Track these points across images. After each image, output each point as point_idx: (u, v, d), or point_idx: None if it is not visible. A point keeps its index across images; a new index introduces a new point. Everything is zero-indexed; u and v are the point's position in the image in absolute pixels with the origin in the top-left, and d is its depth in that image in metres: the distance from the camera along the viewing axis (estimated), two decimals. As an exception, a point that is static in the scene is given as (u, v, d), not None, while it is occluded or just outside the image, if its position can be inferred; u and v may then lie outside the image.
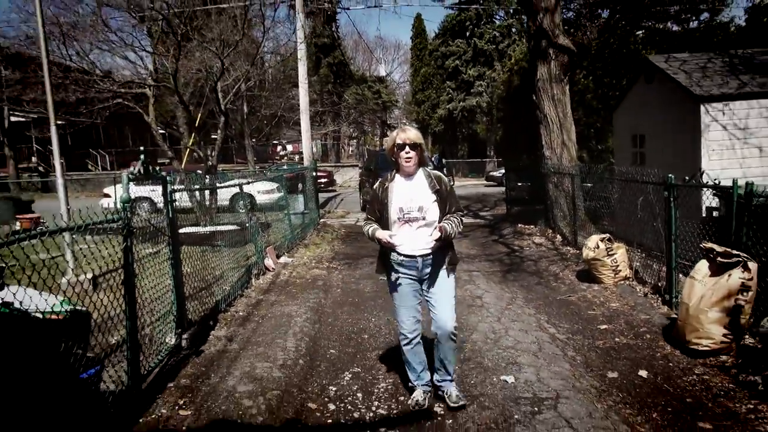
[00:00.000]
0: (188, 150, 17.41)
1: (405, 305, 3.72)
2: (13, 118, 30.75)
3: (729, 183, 4.81)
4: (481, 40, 34.07)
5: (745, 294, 4.28)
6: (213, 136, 27.57)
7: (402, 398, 3.95)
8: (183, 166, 16.11)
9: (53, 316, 2.99)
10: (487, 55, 34.30)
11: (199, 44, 11.65)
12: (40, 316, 2.91)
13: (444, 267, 3.66)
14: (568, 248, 8.84)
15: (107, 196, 17.99)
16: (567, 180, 9.22)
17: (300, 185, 13.09)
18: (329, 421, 3.69)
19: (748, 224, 4.56)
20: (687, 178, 5.27)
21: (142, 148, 4.16)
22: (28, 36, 24.35)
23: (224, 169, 22.37)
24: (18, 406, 2.54)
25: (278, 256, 8.77)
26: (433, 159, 34.07)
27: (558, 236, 9.68)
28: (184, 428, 3.50)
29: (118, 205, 3.73)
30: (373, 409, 3.82)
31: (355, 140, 57.39)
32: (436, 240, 3.49)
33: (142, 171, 3.97)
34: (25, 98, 16.65)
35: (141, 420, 3.58)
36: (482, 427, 3.41)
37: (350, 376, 4.39)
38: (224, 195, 12.73)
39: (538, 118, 10.16)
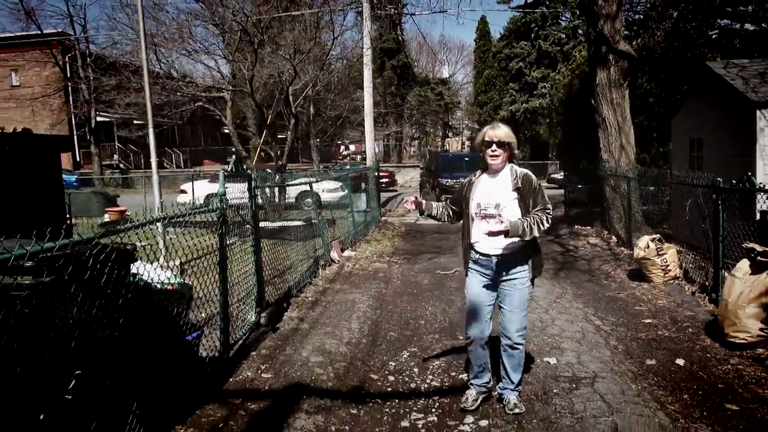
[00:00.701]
0: (258, 149, 18.46)
1: (474, 303, 3.65)
2: (99, 118, 33.18)
3: None
4: (546, 42, 33.84)
5: (783, 291, 4.51)
6: (279, 136, 28.79)
7: (453, 374, 4.44)
8: (254, 164, 17.12)
9: (168, 287, 3.68)
10: (551, 57, 34.02)
11: (273, 51, 12.51)
12: (159, 286, 3.60)
13: (522, 272, 3.53)
14: (622, 249, 9.03)
15: (183, 192, 19.24)
16: (623, 183, 9.39)
17: (363, 184, 13.76)
18: (389, 389, 4.23)
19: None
20: (734, 181, 5.48)
21: (233, 149, 4.85)
22: (114, 41, 26.31)
23: (290, 168, 23.46)
24: (143, 354, 3.22)
25: (342, 250, 9.42)
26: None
27: (613, 237, 9.87)
28: (266, 387, 4.14)
29: (200, 200, 4.41)
30: (428, 381, 4.34)
31: (416, 141, 57.91)
32: (493, 231, 3.28)
33: (233, 169, 4.65)
34: (119, 101, 18.11)
35: (230, 379, 4.25)
36: (523, 398, 3.86)
37: (408, 354, 4.92)
38: (291, 193, 13.55)
39: (597, 122, 10.35)
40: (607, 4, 9.72)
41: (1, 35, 32.46)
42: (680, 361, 4.52)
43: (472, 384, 3.81)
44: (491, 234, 3.30)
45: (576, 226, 11.80)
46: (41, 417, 2.45)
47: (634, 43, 26.78)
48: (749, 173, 5.19)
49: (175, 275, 3.86)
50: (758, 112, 6.99)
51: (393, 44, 36.12)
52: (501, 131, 3.45)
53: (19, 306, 2.34)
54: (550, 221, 3.45)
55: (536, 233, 3.37)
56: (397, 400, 4.00)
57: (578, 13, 32.04)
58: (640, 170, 8.99)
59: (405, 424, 3.64)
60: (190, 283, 3.99)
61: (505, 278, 3.56)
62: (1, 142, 3.74)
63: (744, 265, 4.86)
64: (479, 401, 3.73)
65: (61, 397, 2.58)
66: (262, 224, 8.40)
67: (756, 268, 4.71)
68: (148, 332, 3.28)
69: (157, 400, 3.31)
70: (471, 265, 3.67)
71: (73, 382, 2.62)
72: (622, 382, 4.10)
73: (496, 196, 3.48)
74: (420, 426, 3.61)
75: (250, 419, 3.63)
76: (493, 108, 36.83)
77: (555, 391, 3.98)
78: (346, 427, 3.61)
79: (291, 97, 13.14)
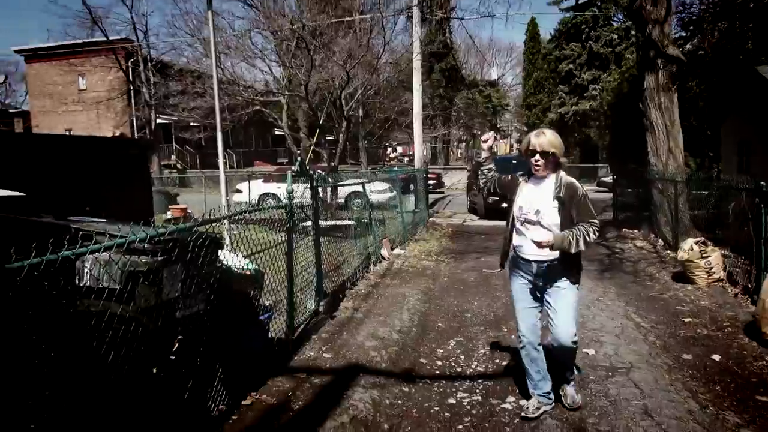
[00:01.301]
0: (309, 151, 19.15)
1: (521, 306, 3.70)
2: (159, 120, 34.82)
3: None
4: (597, 43, 33.46)
5: (819, 292, 4.68)
6: (328, 137, 29.52)
7: (497, 361, 4.81)
8: (307, 165, 17.79)
9: (245, 272, 4.20)
10: (602, 59, 33.61)
11: (326, 57, 13.09)
12: (238, 271, 4.12)
13: (563, 278, 3.52)
14: (668, 252, 9.14)
15: (239, 191, 20.11)
16: (670, 186, 9.49)
17: (411, 186, 14.19)
18: (437, 372, 4.64)
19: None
20: (777, 185, 5.64)
21: (298, 151, 5.36)
22: (173, 47, 27.65)
23: (340, 169, 24.15)
24: (227, 327, 3.74)
25: (392, 248, 9.87)
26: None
27: (660, 240, 9.95)
28: (327, 366, 4.61)
29: (254, 199, 4.92)
30: (473, 367, 4.72)
31: (464, 143, 57.95)
32: (536, 243, 3.34)
33: (299, 170, 5.16)
34: (183, 105, 19.14)
35: (295, 357, 4.74)
36: (562, 382, 4.19)
37: (454, 343, 5.32)
38: (341, 193, 14.11)
39: (645, 125, 10.45)
40: (656, 9, 9.84)
41: (71, 42, 34.38)
42: (716, 357, 4.75)
43: (533, 393, 3.76)
44: (538, 246, 3.33)
45: (624, 230, 11.89)
46: (154, 371, 2.98)
47: (689, 44, 26.34)
48: (791, 178, 5.34)
49: (250, 262, 4.37)
50: (806, 118, 7.04)
51: (441, 48, 36.41)
52: (545, 139, 3.43)
53: (141, 279, 2.88)
54: (596, 234, 3.40)
55: (582, 247, 3.33)
56: (444, 381, 4.41)
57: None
58: (688, 174, 9.09)
59: (451, 401, 4.05)
60: (262, 269, 4.51)
61: (547, 283, 3.55)
62: (106, 146, 4.34)
63: (783, 266, 5.03)
64: (541, 411, 3.68)
65: (167, 356, 3.11)
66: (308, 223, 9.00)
67: (794, 270, 4.89)
68: (231, 310, 3.80)
69: (236, 368, 3.83)
70: (512, 267, 3.72)
71: (176, 346, 3.14)
72: (656, 373, 4.38)
73: (537, 203, 3.49)
74: (465, 403, 4.01)
75: (314, 391, 4.10)
76: (541, 110, 36.63)
77: (592, 377, 4.31)
78: (399, 401, 4.04)
79: (343, 101, 13.68)
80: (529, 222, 3.51)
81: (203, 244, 3.38)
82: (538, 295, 3.63)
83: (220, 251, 3.81)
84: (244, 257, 4.39)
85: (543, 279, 3.55)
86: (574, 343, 3.57)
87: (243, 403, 3.81)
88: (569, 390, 3.79)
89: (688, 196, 9.13)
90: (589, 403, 3.87)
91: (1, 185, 3.03)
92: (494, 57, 56.05)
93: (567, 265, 3.49)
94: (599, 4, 31.80)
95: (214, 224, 3.77)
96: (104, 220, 3.43)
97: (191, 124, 32.84)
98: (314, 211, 5.85)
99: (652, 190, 10.42)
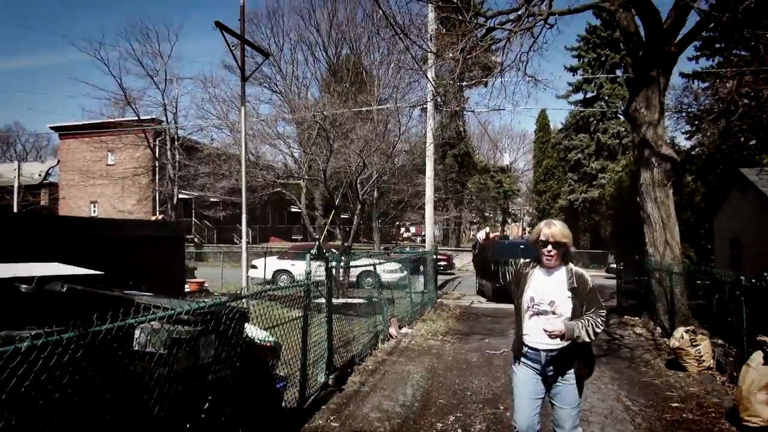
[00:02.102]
0: (324, 229, 19.95)
1: (522, 398, 3.60)
2: (180, 195, 36.22)
3: None
4: (605, 135, 34.83)
5: (789, 381, 5.08)
6: (342, 216, 30.55)
7: (491, 435, 5.19)
8: (323, 243, 18.53)
9: (266, 343, 4.73)
10: (610, 149, 34.87)
11: (344, 145, 14.10)
12: (259, 342, 4.66)
13: (572, 370, 3.47)
14: (665, 339, 9.46)
15: (254, 267, 20.75)
16: (667, 277, 9.96)
17: (421, 267, 14.74)
18: (435, 444, 5.03)
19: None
20: (753, 280, 6.14)
21: (317, 235, 6.02)
22: (201, 128, 29.35)
23: (353, 248, 24.93)
24: (248, 392, 4.23)
25: (400, 327, 10.30)
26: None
27: (658, 328, 10.30)
28: (334, 433, 5.03)
29: (269, 275, 5.51)
30: (469, 440, 5.11)
31: (476, 225, 58.75)
32: (549, 333, 3.33)
33: (317, 253, 5.79)
34: (208, 185, 20.22)
35: (305, 425, 5.18)
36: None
37: (453, 418, 5.70)
38: (352, 272, 14.69)
39: (642, 218, 11.05)
40: (649, 112, 10.70)
41: (103, 121, 36.39)
42: (696, 439, 5.10)
43: None
44: (550, 336, 3.33)
45: (626, 317, 12.24)
46: (188, 426, 3.48)
47: (693, 138, 27.25)
48: (765, 273, 5.85)
49: (270, 335, 4.91)
50: (785, 217, 7.62)
51: (454, 135, 38.02)
52: (557, 229, 3.48)
53: (183, 346, 3.45)
54: (604, 324, 3.48)
55: (592, 337, 3.35)
56: (442, 452, 4.79)
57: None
58: (682, 266, 9.58)
59: (447, 469, 4.43)
60: (279, 342, 5.04)
61: (555, 374, 3.50)
62: (151, 228, 5.02)
63: (758, 356, 5.45)
64: None
65: (199, 414, 3.61)
66: (320, 300, 9.55)
67: (766, 360, 5.30)
68: (252, 376, 4.31)
69: (255, 430, 4.29)
70: (518, 357, 3.65)
71: (207, 405, 3.65)
72: (638, 451, 4.74)
73: (550, 293, 3.48)
74: (460, 472, 4.39)
75: (322, 456, 4.52)
76: (551, 197, 37.57)
77: (577, 453, 4.67)
78: (399, 468, 4.43)
79: (358, 185, 14.54)
80: (542, 313, 3.48)
81: (233, 317, 3.96)
82: (543, 387, 3.57)
83: (246, 324, 4.38)
84: (264, 329, 4.94)
85: (552, 369, 3.50)
86: None
87: (258, 463, 4.25)
88: None
89: (684, 286, 9.58)
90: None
91: (74, 262, 3.67)
92: (507, 143, 58.05)
93: (577, 354, 3.46)
94: (606, 99, 33.39)
95: (241, 300, 4.37)
96: (150, 294, 4.03)
97: (212, 200, 34.18)
98: (328, 291, 6.44)
99: (651, 279, 10.87)
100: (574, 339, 3.33)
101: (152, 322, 3.28)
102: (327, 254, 6.39)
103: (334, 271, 12.54)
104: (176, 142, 34.36)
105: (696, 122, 24.84)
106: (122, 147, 36.51)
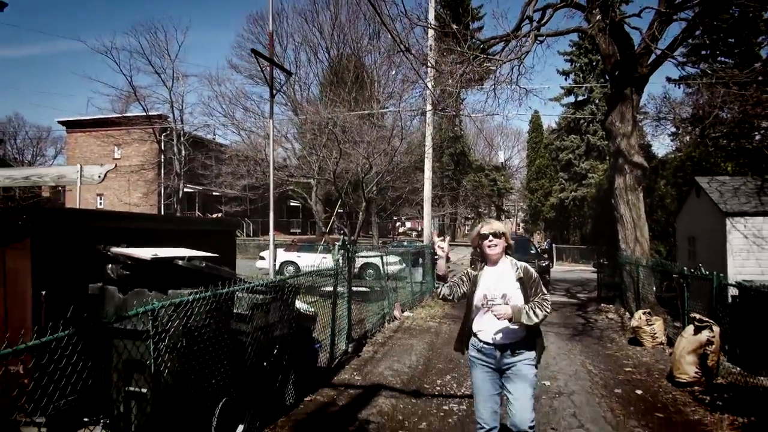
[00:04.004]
0: (329, 223, 21.41)
1: (482, 394, 3.72)
2: (186, 189, 37.51)
3: (746, 278, 7.17)
4: (594, 137, 36.35)
5: (709, 347, 6.58)
6: (340, 210, 32.14)
7: (480, 388, 6.66)
8: (327, 237, 19.99)
9: (309, 312, 6.18)
10: (599, 150, 36.38)
11: (352, 147, 15.53)
12: (303, 311, 6.11)
13: (525, 360, 3.63)
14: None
15: (262, 258, 22.16)
16: (635, 269, 11.46)
17: (420, 260, 16.20)
18: (436, 392, 6.49)
19: (719, 302, 6.88)
20: (693, 270, 7.62)
21: (345, 229, 7.46)
22: (206, 124, 30.74)
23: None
24: (297, 347, 5.69)
25: (403, 311, 11.77)
26: (545, 243, 36.07)
27: (627, 314, 11.80)
28: (357, 384, 6.50)
29: (276, 266, 6.95)
30: (462, 391, 6.56)
31: (470, 221, 60.29)
32: (496, 315, 3.48)
33: (342, 244, 7.24)
34: (224, 182, 21.54)
35: (335, 378, 6.64)
36: (522, 399, 6.03)
37: (450, 377, 7.17)
38: (356, 264, 16.15)
39: (616, 218, 12.56)
40: (623, 125, 12.18)
41: (111, 116, 37.53)
42: (639, 391, 6.58)
43: None
44: (498, 318, 3.48)
45: (602, 305, 13.78)
46: (264, 364, 4.93)
47: (675, 141, 28.69)
48: (700, 265, 7.34)
49: (310, 306, 6.36)
50: (727, 220, 9.09)
51: (452, 137, 39.44)
52: (495, 224, 3.77)
53: (262, 309, 4.89)
54: (549, 307, 3.64)
55: (539, 317, 3.53)
56: (441, 398, 6.26)
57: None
58: (648, 260, 11.08)
59: (445, 407, 5.90)
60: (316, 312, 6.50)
61: (508, 365, 3.63)
62: (217, 223, 6.44)
63: (690, 328, 6.94)
64: None
65: (270, 359, 5.06)
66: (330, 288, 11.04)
67: (695, 331, 6.80)
68: (300, 336, 5.77)
69: (300, 378, 5.74)
70: (474, 354, 3.77)
71: (275, 351, 5.10)
72: (590, 398, 6.23)
73: (501, 287, 3.63)
74: (455, 409, 5.86)
75: (351, 397, 5.99)
76: (543, 195, 39.12)
77: (544, 397, 6.16)
78: (409, 406, 5.90)
79: (364, 184, 15.98)
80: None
81: (290, 291, 5.41)
82: (499, 381, 3.69)
83: (297, 297, 5.83)
84: (306, 303, 6.40)
85: (507, 362, 3.63)
86: (531, 428, 3.56)
87: (305, 399, 5.73)
88: None
89: (649, 277, 11.07)
90: (539, 410, 5.71)
91: (181, 246, 5.09)
92: (501, 141, 59.56)
93: (528, 342, 3.66)
94: (596, 102, 34.88)
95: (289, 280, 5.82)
96: (232, 271, 5.45)
97: (214, 193, 35.60)
98: (349, 274, 7.89)
99: (623, 272, 12.38)
100: (522, 321, 3.51)
101: (238, 292, 4.72)
102: (349, 246, 7.81)
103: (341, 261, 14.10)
104: (182, 138, 35.61)
105: (680, 126, 26.43)
106: (129, 142, 37.69)
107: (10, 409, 4.14)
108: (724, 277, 6.85)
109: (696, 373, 6.60)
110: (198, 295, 3.87)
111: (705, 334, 6.63)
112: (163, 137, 37.04)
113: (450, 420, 5.54)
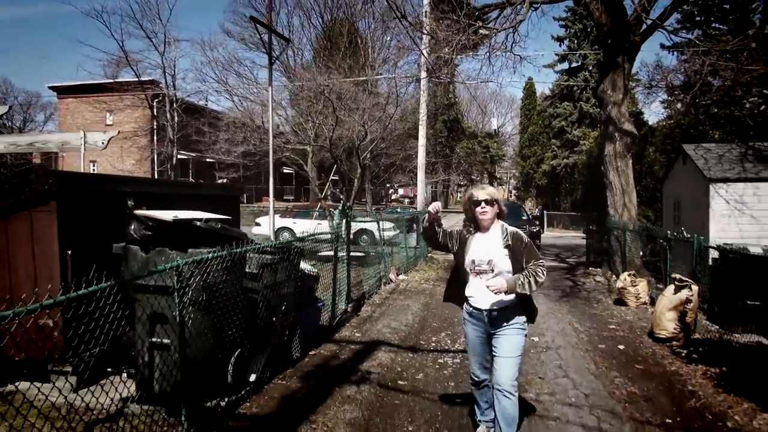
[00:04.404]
0: (324, 190, 21.71)
1: (474, 353, 3.92)
2: (180, 156, 37.50)
3: (727, 242, 7.56)
4: (587, 104, 36.48)
5: (688, 304, 7.02)
6: (333, 177, 32.52)
7: (472, 343, 7.09)
8: (323, 203, 20.29)
9: (312, 273, 6.54)
10: (591, 117, 36.57)
11: (347, 115, 15.71)
12: (307, 272, 6.47)
13: (514, 324, 3.68)
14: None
15: (258, 225, 22.48)
16: (622, 233, 11.88)
17: (414, 226, 16.58)
18: (432, 347, 6.92)
19: (700, 264, 7.30)
20: (675, 233, 8.02)
21: (342, 197, 7.78)
22: (199, 90, 30.65)
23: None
24: (302, 304, 6.06)
25: (398, 274, 12.18)
26: (537, 210, 36.58)
27: (614, 276, 12.26)
28: (357, 339, 6.91)
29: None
30: (455, 347, 6.99)
31: (463, 188, 60.67)
32: (491, 289, 3.48)
33: (341, 210, 7.56)
34: (223, 149, 21.74)
35: (336, 335, 7.05)
36: (512, 353, 6.47)
37: (444, 334, 7.60)
38: (351, 230, 16.55)
39: (606, 184, 12.90)
40: (615, 93, 12.43)
41: (103, 81, 37.18)
42: (621, 346, 7.04)
43: (480, 421, 4.10)
44: (494, 292, 3.50)
45: (590, 268, 14.25)
46: (273, 319, 5.30)
47: (668, 110, 29.01)
48: (682, 229, 7.73)
49: (313, 267, 6.71)
50: (711, 186, 9.47)
51: (445, 102, 39.43)
52: (489, 189, 3.75)
53: (271, 268, 5.23)
54: (545, 273, 3.62)
55: (534, 287, 3.53)
56: (436, 353, 6.69)
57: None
58: (634, 224, 11.49)
59: (441, 361, 6.33)
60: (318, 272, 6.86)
61: (497, 329, 3.72)
62: (224, 188, 6.73)
63: (670, 288, 7.37)
64: None
65: (278, 315, 5.43)
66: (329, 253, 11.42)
67: (675, 290, 7.23)
68: (304, 294, 6.14)
69: (304, 333, 6.13)
70: (466, 316, 3.88)
71: (283, 308, 5.47)
72: (575, 351, 6.68)
73: (488, 253, 3.66)
74: (449, 363, 6.29)
75: (352, 351, 6.40)
76: (536, 162, 39.43)
77: (532, 352, 6.60)
78: (407, 360, 6.32)
79: (359, 151, 16.22)
80: (483, 272, 3.67)
81: (296, 252, 5.75)
82: (489, 342, 3.80)
83: (302, 258, 6.17)
84: (309, 264, 6.74)
85: (495, 326, 3.72)
86: (513, 387, 3.61)
87: (310, 353, 6.13)
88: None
89: (636, 241, 11.50)
90: (527, 362, 6.16)
91: (197, 209, 5.40)
92: (495, 108, 59.52)
93: (518, 311, 3.71)
94: (590, 69, 34.91)
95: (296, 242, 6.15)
96: (242, 232, 5.78)
97: (207, 159, 35.66)
98: (347, 238, 8.23)
99: (611, 236, 12.80)
100: (517, 292, 3.54)
101: (249, 252, 5.04)
102: (347, 211, 8.13)
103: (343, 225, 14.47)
104: (175, 104, 35.43)
105: (672, 93, 26.67)
106: (122, 108, 37.44)
107: (44, 360, 4.50)
108: (705, 240, 7.25)
109: (675, 329, 7.05)
110: (216, 254, 4.20)
111: (684, 293, 7.06)
112: (155, 103, 36.83)
113: (445, 371, 5.96)
